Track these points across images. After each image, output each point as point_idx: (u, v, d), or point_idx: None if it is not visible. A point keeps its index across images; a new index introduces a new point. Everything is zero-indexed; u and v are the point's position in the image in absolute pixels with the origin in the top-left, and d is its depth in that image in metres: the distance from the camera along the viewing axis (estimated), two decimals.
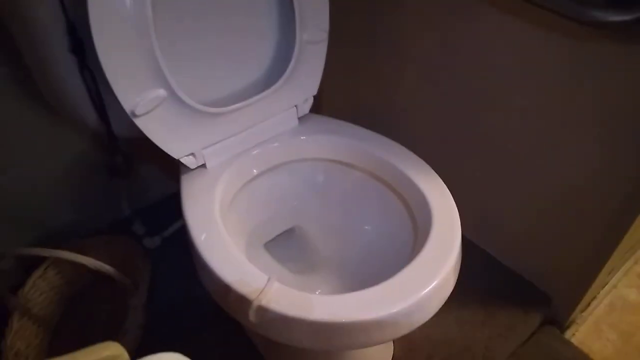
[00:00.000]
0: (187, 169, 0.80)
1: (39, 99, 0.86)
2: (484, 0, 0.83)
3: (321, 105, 0.90)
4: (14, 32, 0.73)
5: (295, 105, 0.88)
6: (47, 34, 0.68)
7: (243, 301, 0.61)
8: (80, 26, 0.67)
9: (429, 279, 0.62)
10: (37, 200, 0.99)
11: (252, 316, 0.61)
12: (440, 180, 0.77)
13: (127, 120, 0.70)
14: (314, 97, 0.90)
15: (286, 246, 0.93)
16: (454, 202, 0.73)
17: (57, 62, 0.70)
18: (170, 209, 1.10)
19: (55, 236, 1.04)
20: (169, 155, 0.77)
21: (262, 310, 0.60)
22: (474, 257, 1.09)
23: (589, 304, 1.06)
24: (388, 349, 0.92)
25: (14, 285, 0.90)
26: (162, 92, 0.70)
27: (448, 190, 0.75)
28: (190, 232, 0.70)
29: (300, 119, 0.90)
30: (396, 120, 1.13)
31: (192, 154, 0.79)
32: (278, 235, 0.93)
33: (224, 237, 0.69)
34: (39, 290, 0.91)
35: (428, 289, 0.62)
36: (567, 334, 1.02)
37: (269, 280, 0.62)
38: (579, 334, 1.04)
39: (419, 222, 0.76)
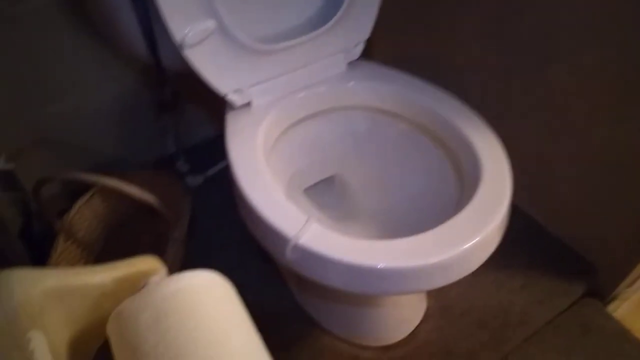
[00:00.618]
0: (232, 106, 0.79)
1: (91, 29, 0.87)
2: None
3: (371, 53, 0.87)
4: None
5: (346, 49, 0.85)
6: None
7: (280, 239, 0.61)
8: None
9: (472, 233, 0.60)
10: (85, 132, 1.01)
11: (288, 254, 0.60)
12: (493, 134, 0.73)
13: (176, 53, 0.69)
14: (365, 42, 0.87)
15: (326, 194, 0.92)
16: (505, 156, 0.69)
17: None
18: (214, 150, 1.11)
19: (100, 168, 1.06)
20: (215, 96, 0.76)
21: (299, 249, 0.59)
22: (518, 222, 1.05)
23: (636, 279, 1.01)
24: (421, 302, 0.91)
25: (60, 209, 0.93)
26: (211, 23, 0.69)
27: (500, 144, 0.72)
28: (232, 168, 0.70)
29: (349, 64, 0.87)
30: (449, 72, 1.08)
31: (239, 90, 0.78)
32: (318, 182, 0.92)
33: (266, 175, 0.69)
34: (84, 216, 0.94)
35: (470, 243, 0.59)
36: (610, 308, 0.99)
37: (307, 220, 0.61)
38: (622, 309, 1.00)
39: (466, 176, 0.73)
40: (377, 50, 1.15)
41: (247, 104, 0.80)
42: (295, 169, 0.88)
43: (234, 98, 0.78)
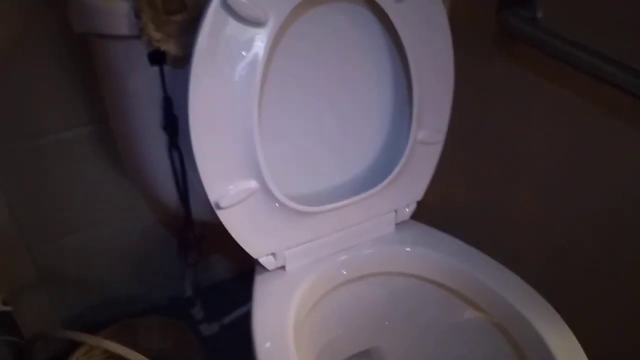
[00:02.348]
0: (263, 268, 0.69)
1: (119, 163, 0.82)
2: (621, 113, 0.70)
3: (418, 210, 0.79)
4: (107, 96, 0.68)
5: (395, 210, 0.77)
6: (141, 104, 0.62)
7: None
8: (177, 103, 0.60)
9: None
10: (97, 267, 0.94)
11: None
12: (570, 332, 0.61)
13: (209, 207, 0.61)
14: (417, 202, 0.78)
15: None
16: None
17: (146, 137, 0.64)
18: (233, 292, 1.02)
19: (112, 304, 0.98)
20: None
21: None
22: None
23: None
24: None
25: (56, 355, 0.82)
26: (253, 183, 0.61)
27: (579, 346, 0.59)
28: (255, 346, 0.59)
29: (397, 225, 0.78)
30: (501, 234, 0.98)
31: (273, 254, 0.68)
32: (352, 356, 0.79)
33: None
34: None
35: None
36: None
37: None
38: None
39: None
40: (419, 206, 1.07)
41: (281, 267, 0.70)
42: (329, 338, 0.77)
43: (267, 261, 0.68)
